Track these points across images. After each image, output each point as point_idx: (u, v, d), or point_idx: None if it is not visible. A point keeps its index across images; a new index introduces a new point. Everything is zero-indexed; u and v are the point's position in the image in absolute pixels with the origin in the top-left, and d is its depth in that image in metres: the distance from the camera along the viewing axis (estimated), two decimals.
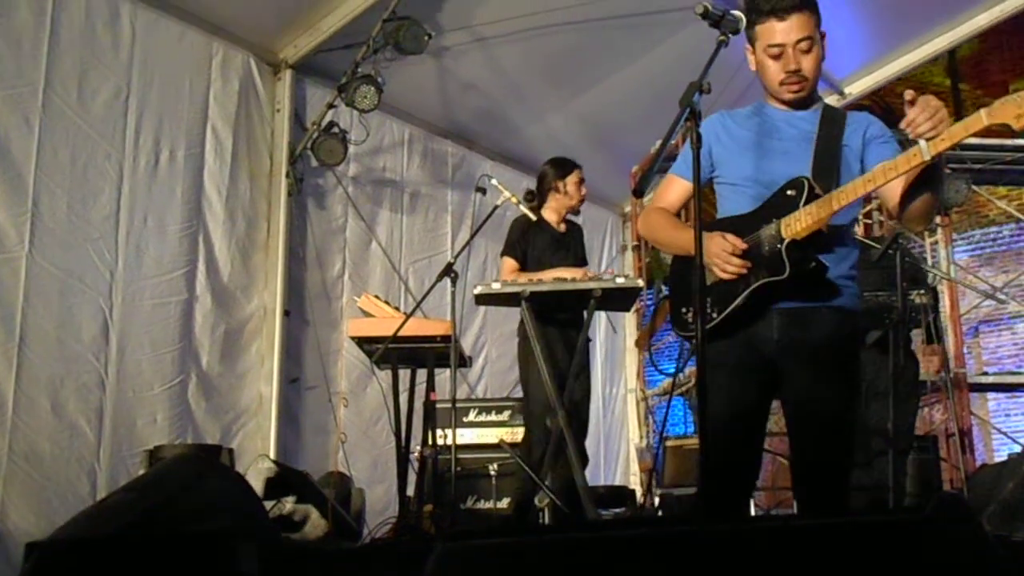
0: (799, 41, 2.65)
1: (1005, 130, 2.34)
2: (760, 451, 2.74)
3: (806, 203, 2.58)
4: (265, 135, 6.03)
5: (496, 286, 4.51)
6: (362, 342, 4.85)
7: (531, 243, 4.94)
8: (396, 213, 6.83)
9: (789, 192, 2.65)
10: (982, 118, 2.31)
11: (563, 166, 5.12)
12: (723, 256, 2.62)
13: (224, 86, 5.75)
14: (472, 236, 4.89)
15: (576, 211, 5.14)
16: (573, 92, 7.19)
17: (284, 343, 5.84)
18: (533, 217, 4.87)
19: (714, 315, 2.68)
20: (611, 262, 8.62)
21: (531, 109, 7.34)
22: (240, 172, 5.81)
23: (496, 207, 4.82)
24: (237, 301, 5.72)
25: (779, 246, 2.60)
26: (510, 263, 4.90)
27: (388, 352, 4.65)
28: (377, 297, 4.95)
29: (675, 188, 2.90)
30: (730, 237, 2.64)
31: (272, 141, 6.07)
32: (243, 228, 5.80)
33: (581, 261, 5.08)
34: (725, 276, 2.65)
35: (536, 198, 5.04)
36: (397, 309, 4.92)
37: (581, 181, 5.10)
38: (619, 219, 8.97)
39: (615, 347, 8.60)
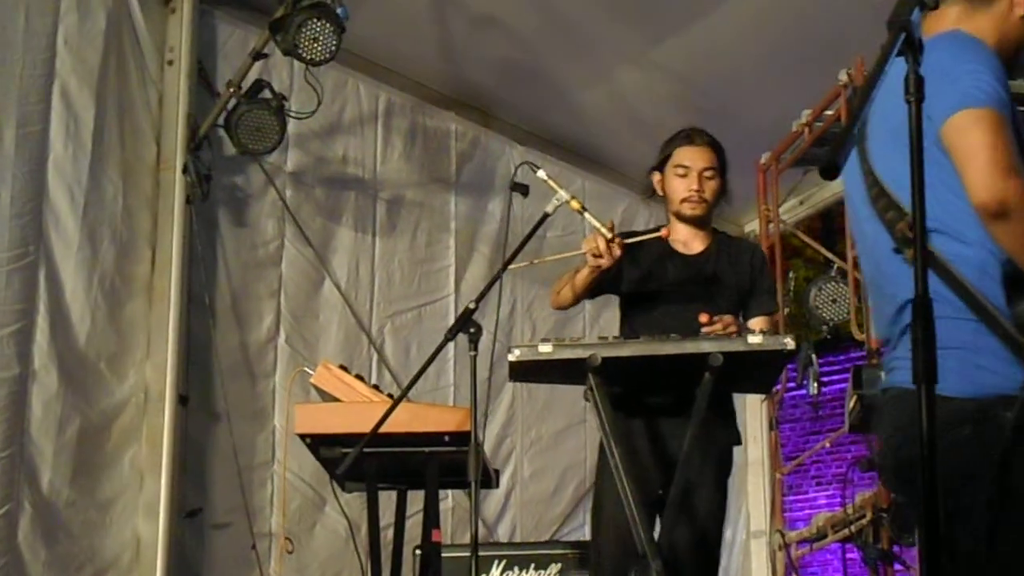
0: None
1: None
2: None
3: None
4: (149, 103, 6.10)
5: (546, 348, 4.48)
6: (317, 443, 4.84)
7: (653, 275, 5.09)
8: (364, 233, 6.95)
9: None
10: None
11: (664, 146, 5.22)
12: None
13: (82, 24, 5.80)
14: (507, 264, 4.78)
15: (690, 219, 5.10)
16: (656, 34, 7.24)
17: (178, 450, 5.84)
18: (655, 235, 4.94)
19: None
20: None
21: (588, 61, 7.45)
22: (107, 164, 5.84)
23: (546, 215, 4.72)
24: (101, 380, 5.72)
25: None
26: None
27: (361, 461, 4.60)
28: (344, 368, 4.97)
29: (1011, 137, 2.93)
30: None
31: (161, 114, 6.14)
32: (111, 258, 5.83)
33: (734, 307, 5.05)
34: None
35: None
36: (376, 388, 4.99)
37: (688, 167, 5.10)
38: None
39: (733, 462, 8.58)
